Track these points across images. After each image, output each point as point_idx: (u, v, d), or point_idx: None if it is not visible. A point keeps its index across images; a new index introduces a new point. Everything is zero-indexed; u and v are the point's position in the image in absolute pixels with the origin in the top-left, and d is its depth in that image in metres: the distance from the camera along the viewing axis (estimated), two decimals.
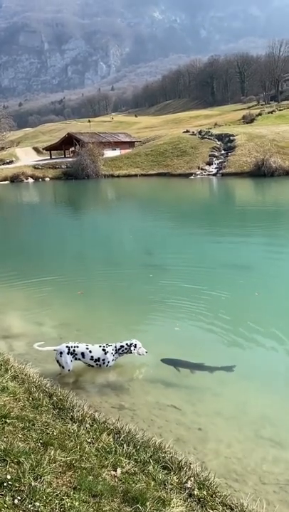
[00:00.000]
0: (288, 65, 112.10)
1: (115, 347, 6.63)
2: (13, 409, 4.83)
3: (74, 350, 6.52)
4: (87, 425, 4.66)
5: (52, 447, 4.13)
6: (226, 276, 11.33)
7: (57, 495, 3.43)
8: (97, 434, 4.48)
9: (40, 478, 3.61)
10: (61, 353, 6.48)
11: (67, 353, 6.48)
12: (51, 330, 8.25)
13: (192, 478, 3.83)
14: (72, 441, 4.27)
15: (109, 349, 6.60)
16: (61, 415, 4.83)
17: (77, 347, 6.57)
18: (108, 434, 4.49)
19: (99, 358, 6.54)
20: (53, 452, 4.02)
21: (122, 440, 4.37)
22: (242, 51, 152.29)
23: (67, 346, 6.54)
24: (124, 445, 4.30)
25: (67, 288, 10.91)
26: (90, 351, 6.55)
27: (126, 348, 6.60)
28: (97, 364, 6.60)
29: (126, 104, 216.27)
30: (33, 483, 3.50)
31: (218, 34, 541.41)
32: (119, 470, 3.90)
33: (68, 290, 10.71)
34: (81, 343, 6.64)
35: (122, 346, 6.63)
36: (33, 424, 4.53)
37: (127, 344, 6.63)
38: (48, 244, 17.71)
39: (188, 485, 3.74)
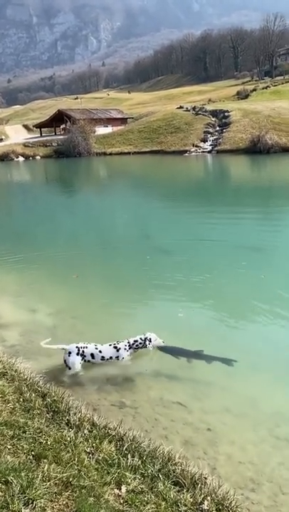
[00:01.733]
0: (283, 40, 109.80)
1: (128, 342, 6.16)
2: (1, 412, 4.29)
3: (83, 352, 6.03)
4: (86, 431, 4.12)
5: (46, 460, 3.60)
6: (228, 258, 10.76)
7: None
8: (97, 442, 3.95)
9: (32, 503, 3.07)
10: (70, 352, 5.99)
11: (77, 354, 5.99)
12: (45, 318, 7.66)
13: (209, 498, 3.31)
14: (68, 451, 3.74)
15: (122, 345, 6.13)
16: (56, 419, 4.28)
17: (86, 347, 6.06)
18: (110, 442, 3.96)
19: (111, 357, 6.11)
20: (46, 467, 3.49)
21: (125, 450, 3.84)
22: (235, 25, 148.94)
23: (77, 347, 6.04)
24: (129, 456, 3.77)
25: (61, 271, 10.32)
26: (100, 351, 6.08)
27: (140, 343, 6.17)
28: (108, 361, 6.16)
29: (117, 80, 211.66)
30: (23, 511, 2.97)
31: (211, 8, 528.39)
32: (124, 488, 3.38)
33: (62, 273, 10.12)
34: (90, 344, 6.13)
35: (135, 341, 6.18)
36: (24, 432, 3.99)
37: (141, 338, 6.19)
38: (39, 225, 16.99)
39: (205, 506, 3.22)
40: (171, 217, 16.56)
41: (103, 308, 8.10)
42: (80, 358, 5.97)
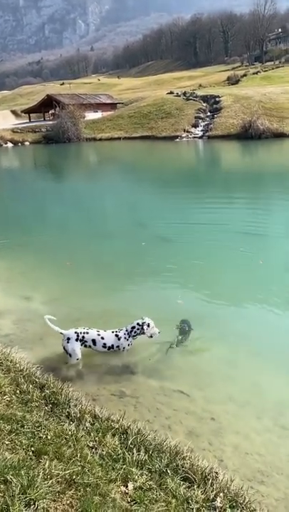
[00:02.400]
0: (273, 24, 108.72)
1: (126, 330, 5.85)
2: None
3: (83, 337, 5.71)
4: (87, 424, 3.92)
5: (46, 456, 3.39)
6: (225, 243, 10.55)
7: None
8: (100, 435, 3.75)
9: (34, 503, 2.87)
10: (69, 338, 5.67)
11: (76, 340, 5.67)
12: (39, 306, 7.39)
13: (221, 494, 3.14)
14: (70, 446, 3.54)
15: (122, 333, 5.82)
16: (55, 412, 4.07)
17: (87, 333, 5.75)
18: (113, 435, 3.77)
19: (112, 346, 5.79)
20: (48, 464, 3.29)
21: (130, 444, 3.64)
22: (225, 9, 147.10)
23: (76, 332, 5.72)
24: (134, 450, 3.57)
25: (53, 258, 10.05)
26: (102, 338, 5.78)
27: (138, 329, 5.83)
28: (110, 351, 5.87)
29: (106, 65, 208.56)
30: None
31: None
32: (130, 485, 3.19)
33: (55, 261, 9.84)
34: (91, 329, 5.82)
35: (133, 327, 5.85)
36: (22, 426, 3.77)
37: (138, 324, 5.85)
38: (29, 212, 16.62)
39: (218, 503, 3.05)
40: (164, 203, 16.30)
41: (98, 296, 7.88)
42: (80, 344, 5.68)
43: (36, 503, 2.86)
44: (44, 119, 61.59)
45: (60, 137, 47.89)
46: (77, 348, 5.65)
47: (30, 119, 64.27)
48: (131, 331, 5.83)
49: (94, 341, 5.75)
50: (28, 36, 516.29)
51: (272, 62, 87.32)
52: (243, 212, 14.11)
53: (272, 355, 5.95)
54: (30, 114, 65.60)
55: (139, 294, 8.05)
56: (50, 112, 61.70)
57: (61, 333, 5.71)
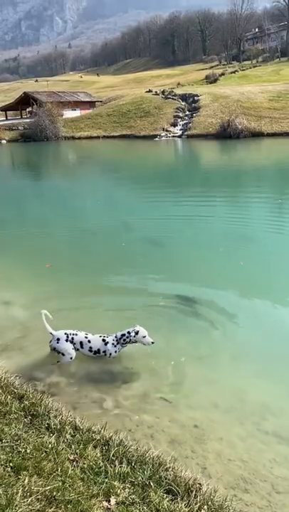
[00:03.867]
0: (250, 24, 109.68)
1: (116, 336, 5.72)
2: None
3: (72, 339, 5.66)
4: (68, 436, 3.82)
5: (26, 472, 3.29)
6: (205, 244, 10.55)
7: None
8: (81, 447, 3.66)
9: None
10: (59, 339, 5.61)
11: (66, 341, 5.64)
12: (19, 311, 7.20)
13: (205, 506, 3.09)
14: (50, 460, 3.44)
15: (110, 339, 5.72)
16: (35, 424, 3.96)
17: (76, 335, 5.70)
18: (94, 447, 3.69)
19: (99, 350, 5.70)
20: (27, 480, 3.19)
21: (112, 456, 3.56)
22: (203, 8, 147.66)
23: (65, 333, 5.68)
24: (116, 462, 3.50)
25: (32, 261, 9.85)
26: (89, 341, 5.70)
27: (128, 337, 5.70)
28: (96, 356, 5.77)
29: (84, 62, 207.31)
30: None
31: None
32: (113, 500, 3.11)
33: (34, 263, 9.65)
34: (80, 331, 5.77)
35: (123, 335, 5.71)
36: (1, 440, 3.66)
37: (129, 332, 5.71)
38: (7, 212, 16.30)
39: None
40: (143, 201, 16.22)
41: (80, 299, 7.73)
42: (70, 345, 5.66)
43: None
44: (21, 117, 60.83)
45: (38, 136, 47.38)
46: (69, 348, 5.61)
47: (6, 117, 63.39)
48: (120, 338, 5.71)
49: (81, 344, 5.68)
50: (4, 32, 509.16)
51: (250, 62, 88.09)
52: (221, 209, 14.15)
53: (255, 360, 5.93)
54: (7, 112, 64.68)
55: (120, 295, 7.91)
56: (27, 110, 60.98)
57: (51, 333, 5.65)
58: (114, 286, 8.26)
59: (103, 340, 5.73)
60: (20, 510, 2.88)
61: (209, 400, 5.10)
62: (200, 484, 3.31)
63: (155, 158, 32.84)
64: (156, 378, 5.47)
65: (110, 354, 5.70)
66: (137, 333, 5.67)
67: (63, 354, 5.61)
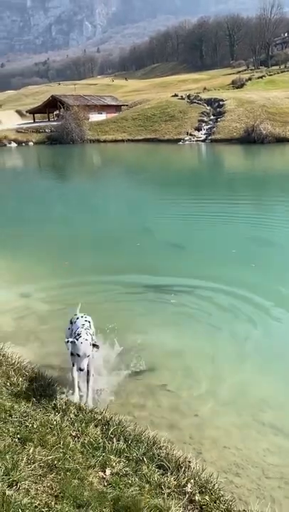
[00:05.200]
0: (279, 29, 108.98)
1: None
2: None
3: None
4: (72, 415, 4.14)
5: (31, 443, 3.61)
6: (219, 247, 10.78)
7: (36, 506, 2.92)
8: (83, 426, 3.97)
9: (17, 484, 3.09)
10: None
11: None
12: (38, 304, 7.62)
13: (192, 480, 3.35)
14: (54, 435, 3.75)
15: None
16: (42, 403, 4.29)
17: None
18: (95, 426, 3.99)
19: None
20: (32, 450, 3.51)
21: (111, 434, 3.86)
22: (232, 13, 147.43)
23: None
24: (114, 439, 3.79)
25: (51, 258, 10.25)
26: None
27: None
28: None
29: (112, 66, 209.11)
30: (7, 492, 2.98)
31: None
32: (108, 471, 3.40)
33: (52, 260, 10.04)
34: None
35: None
36: (11, 415, 4.00)
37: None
38: (30, 212, 16.79)
39: (188, 488, 3.26)
40: (166, 205, 16.49)
41: (95, 295, 8.07)
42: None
43: (18, 484, 3.08)
44: (48, 120, 61.98)
45: (64, 138, 48.20)
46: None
47: (34, 120, 64.65)
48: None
49: None
50: (34, 37, 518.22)
51: (278, 67, 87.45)
52: (244, 215, 14.26)
53: (258, 357, 6.14)
54: (35, 115, 65.95)
55: (134, 294, 8.18)
56: (54, 113, 62.06)
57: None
58: (128, 283, 8.59)
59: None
60: (24, 473, 3.19)
61: (209, 391, 5.33)
62: (189, 462, 3.57)
63: (178, 162, 33.11)
64: (160, 369, 5.73)
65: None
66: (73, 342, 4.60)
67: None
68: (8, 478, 3.11)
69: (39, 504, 2.93)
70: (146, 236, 11.84)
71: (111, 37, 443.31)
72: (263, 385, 5.54)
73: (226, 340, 6.41)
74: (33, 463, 3.36)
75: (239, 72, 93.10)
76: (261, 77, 73.81)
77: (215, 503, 3.19)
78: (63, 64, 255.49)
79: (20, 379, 4.68)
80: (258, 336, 6.58)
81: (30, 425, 3.88)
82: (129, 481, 3.29)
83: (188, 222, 13.44)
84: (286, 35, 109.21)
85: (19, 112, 75.39)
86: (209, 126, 46.39)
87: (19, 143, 51.68)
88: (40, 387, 4.51)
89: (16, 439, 3.65)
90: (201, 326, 6.88)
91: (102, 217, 15.44)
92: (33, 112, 66.87)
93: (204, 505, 3.15)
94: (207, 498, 3.21)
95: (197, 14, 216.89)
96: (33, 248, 11.12)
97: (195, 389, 5.39)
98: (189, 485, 3.29)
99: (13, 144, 51.51)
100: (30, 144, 51.41)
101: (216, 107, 49.49)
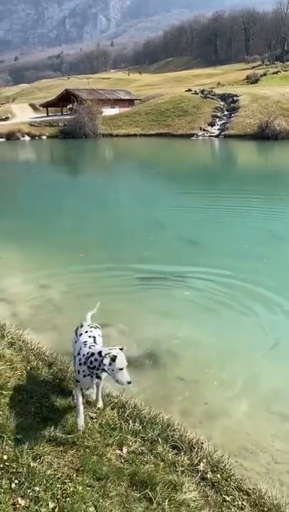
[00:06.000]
0: None
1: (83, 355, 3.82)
2: (9, 379, 4.51)
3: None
4: (89, 399, 4.34)
5: (52, 423, 3.83)
6: (231, 242, 10.92)
7: (58, 478, 3.14)
8: (101, 408, 4.17)
9: (40, 458, 3.31)
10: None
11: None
12: (55, 294, 7.86)
13: (204, 460, 3.55)
14: (73, 415, 3.96)
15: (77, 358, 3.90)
16: (61, 387, 4.50)
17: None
18: (112, 409, 4.19)
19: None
20: (53, 428, 3.72)
21: (127, 416, 4.06)
22: (248, 7, 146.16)
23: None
24: (130, 421, 4.00)
25: (67, 249, 10.49)
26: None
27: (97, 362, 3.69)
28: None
29: (126, 60, 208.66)
30: (32, 464, 3.20)
31: None
32: (125, 449, 3.61)
33: (69, 252, 10.27)
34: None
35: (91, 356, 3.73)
36: (31, 397, 4.22)
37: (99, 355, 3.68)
38: (45, 205, 17.03)
39: (201, 467, 3.45)
40: (178, 200, 16.63)
41: (109, 287, 8.28)
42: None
43: (42, 458, 3.30)
44: (62, 114, 62.23)
45: (77, 132, 48.39)
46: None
47: (47, 113, 64.97)
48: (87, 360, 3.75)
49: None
50: (48, 30, 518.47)
51: None
52: (257, 211, 14.34)
53: (269, 348, 6.29)
54: (48, 108, 66.25)
55: (149, 288, 8.34)
56: (68, 107, 62.27)
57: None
58: (142, 275, 8.77)
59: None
60: (46, 449, 3.42)
61: (223, 382, 5.49)
62: (202, 443, 3.77)
63: (191, 157, 33.14)
64: (173, 360, 5.91)
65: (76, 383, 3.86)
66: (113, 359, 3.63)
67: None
68: (32, 452, 3.33)
69: (61, 476, 3.15)
70: (159, 230, 12.00)
71: (125, 30, 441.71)
72: (275, 376, 5.69)
73: (238, 332, 6.57)
74: (55, 440, 3.57)
75: (254, 67, 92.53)
76: (276, 73, 73.30)
77: (226, 481, 3.38)
78: (77, 57, 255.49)
79: (40, 363, 4.90)
80: (269, 328, 6.72)
81: (50, 406, 4.10)
82: (145, 459, 3.49)
83: (201, 216, 13.58)
84: None
85: (32, 106, 75.77)
86: (223, 121, 46.27)
87: (32, 136, 52.00)
88: (60, 372, 4.73)
89: (38, 419, 3.87)
90: (213, 317, 7.04)
91: (115, 211, 15.62)
92: (46, 105, 67.19)
93: (216, 482, 3.34)
94: (218, 476, 3.40)
95: (212, 8, 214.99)
96: (49, 240, 11.35)
97: (208, 379, 5.56)
98: (202, 464, 3.48)
99: (27, 138, 51.85)
100: (44, 137, 51.72)
101: (230, 103, 49.32)
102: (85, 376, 3.71)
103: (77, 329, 4.29)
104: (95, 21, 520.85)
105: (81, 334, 4.13)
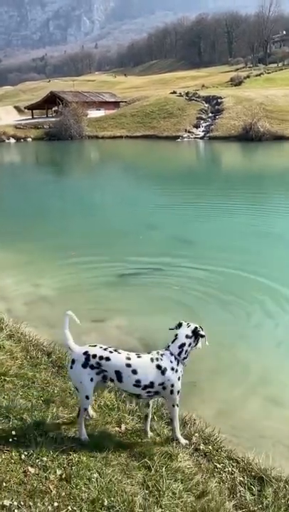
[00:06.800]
0: (277, 26, 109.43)
1: (171, 352, 3.58)
2: (11, 367, 4.76)
3: (99, 364, 3.51)
4: None
5: (54, 404, 4.09)
6: (218, 237, 11.30)
7: (63, 450, 3.40)
8: (99, 391, 4.44)
9: (46, 434, 3.57)
10: (74, 361, 3.57)
11: (84, 366, 3.50)
12: (47, 291, 8.12)
13: (197, 434, 3.86)
14: (73, 398, 4.22)
15: (166, 362, 3.54)
16: (61, 373, 4.77)
17: (108, 359, 3.50)
18: (110, 392, 4.46)
19: (152, 384, 3.51)
20: (55, 409, 3.98)
21: (124, 397, 4.34)
22: (231, 10, 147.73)
23: (86, 353, 3.54)
24: (127, 402, 4.28)
25: (58, 249, 10.72)
26: (134, 371, 3.48)
27: (190, 344, 3.63)
28: (148, 395, 3.58)
29: (110, 63, 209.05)
30: (38, 439, 3.47)
31: None
32: (123, 426, 3.89)
33: (60, 251, 10.51)
34: (117, 350, 3.61)
35: (182, 344, 3.58)
36: (33, 382, 4.48)
37: (187, 336, 3.60)
38: (33, 207, 17.18)
39: (194, 440, 3.77)
40: (162, 199, 16.98)
41: (100, 284, 8.56)
42: (94, 374, 3.53)
43: (48, 433, 3.56)
44: (47, 116, 62.22)
45: (63, 134, 48.49)
46: (87, 380, 3.52)
47: (33, 116, 64.85)
48: (179, 354, 3.59)
49: (119, 375, 3.51)
50: (32, 32, 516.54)
51: (276, 64, 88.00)
52: (240, 211, 14.76)
53: (260, 339, 6.64)
54: (33, 111, 66.15)
55: (140, 284, 8.63)
56: (53, 109, 62.29)
57: (70, 348, 3.70)
58: (131, 272, 9.08)
59: (158, 366, 3.52)
60: (51, 426, 3.69)
61: (211, 367, 5.80)
62: (194, 419, 4.07)
63: (177, 159, 33.57)
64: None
65: (174, 389, 3.57)
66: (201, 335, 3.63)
67: (76, 389, 3.66)
68: (38, 429, 3.60)
69: (66, 448, 3.42)
70: (147, 228, 12.34)
71: (109, 33, 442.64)
72: (264, 363, 6.02)
73: (225, 324, 6.89)
74: (58, 419, 3.84)
75: (237, 69, 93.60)
76: (259, 75, 74.38)
77: (217, 451, 3.70)
78: (61, 60, 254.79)
79: (39, 353, 5.16)
80: (261, 320, 7.09)
81: (52, 390, 4.36)
82: (142, 434, 3.78)
83: (188, 216, 13.96)
84: (284, 32, 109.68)
85: (17, 108, 75.47)
86: (207, 123, 46.84)
87: (18, 139, 51.94)
88: (58, 359, 5.00)
89: (41, 401, 4.13)
90: (203, 311, 7.36)
91: (104, 211, 15.91)
92: (31, 108, 67.04)
93: (208, 452, 3.66)
94: (210, 447, 3.72)
95: (196, 11, 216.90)
96: (40, 241, 11.56)
97: (199, 366, 5.86)
98: (194, 437, 3.80)
99: (12, 140, 51.76)
100: (29, 139, 51.68)
101: (215, 105, 49.94)
102: None
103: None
104: (79, 23, 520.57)
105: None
